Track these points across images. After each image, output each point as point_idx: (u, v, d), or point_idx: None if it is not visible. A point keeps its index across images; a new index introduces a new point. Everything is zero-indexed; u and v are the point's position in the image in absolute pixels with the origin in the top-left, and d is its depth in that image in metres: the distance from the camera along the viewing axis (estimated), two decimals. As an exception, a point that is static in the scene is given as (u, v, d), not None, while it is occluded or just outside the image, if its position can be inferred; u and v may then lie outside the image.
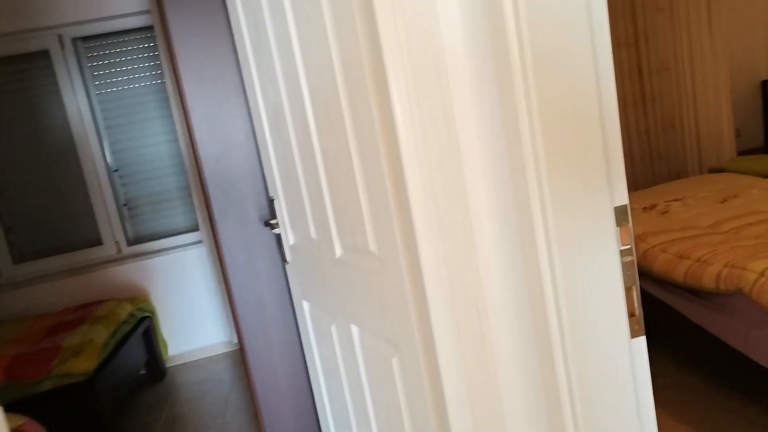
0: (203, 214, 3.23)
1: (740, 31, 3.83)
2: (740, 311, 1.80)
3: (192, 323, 3.29)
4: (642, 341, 0.79)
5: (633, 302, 0.78)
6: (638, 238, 2.35)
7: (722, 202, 2.66)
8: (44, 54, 3.15)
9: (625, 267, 0.78)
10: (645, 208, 2.80)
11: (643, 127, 3.72)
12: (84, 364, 2.33)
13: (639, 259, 2.24)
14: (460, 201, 0.95)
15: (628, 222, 0.78)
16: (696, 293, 1.99)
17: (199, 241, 3.29)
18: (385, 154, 1.01)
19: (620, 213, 0.78)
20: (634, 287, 0.78)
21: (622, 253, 0.79)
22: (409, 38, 0.87)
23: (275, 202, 1.57)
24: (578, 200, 0.78)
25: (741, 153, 3.91)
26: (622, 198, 0.78)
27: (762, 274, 1.72)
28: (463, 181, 0.95)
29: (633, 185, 3.75)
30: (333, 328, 1.42)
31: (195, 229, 3.38)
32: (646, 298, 2.23)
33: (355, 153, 1.11)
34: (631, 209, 2.85)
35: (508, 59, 0.78)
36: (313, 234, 1.41)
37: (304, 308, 1.56)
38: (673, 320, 2.11)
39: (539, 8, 0.76)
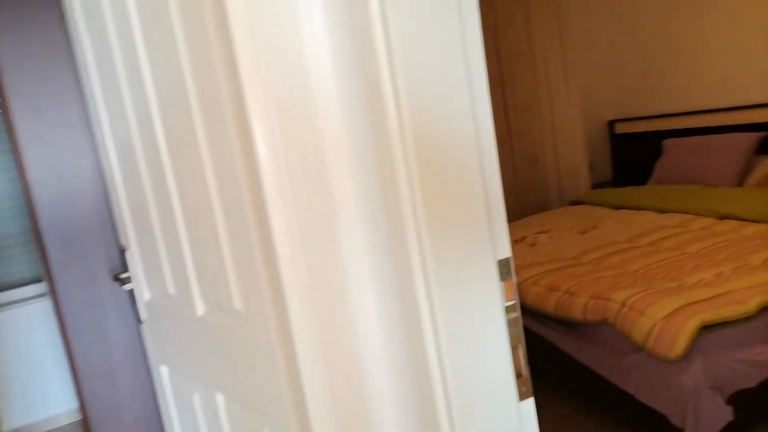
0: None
1: (590, 77, 4.24)
2: (607, 341, 1.89)
3: (34, 390, 2.83)
4: (530, 403, 0.74)
5: (519, 362, 0.73)
6: (512, 272, 2.41)
7: (583, 233, 2.85)
8: None
9: (511, 324, 0.74)
10: (515, 241, 2.92)
11: (510, 162, 3.94)
12: None
13: (514, 292, 2.30)
14: (333, 254, 0.86)
15: (511, 276, 0.74)
16: (567, 324, 2.07)
17: (43, 294, 2.87)
18: (249, 201, 0.89)
19: (503, 266, 0.74)
20: (520, 346, 0.73)
21: (507, 309, 0.74)
22: (273, 73, 0.77)
23: (127, 253, 1.37)
24: (460, 255, 0.72)
25: (595, 186, 4.28)
26: (505, 250, 0.74)
27: (623, 304, 1.83)
28: (336, 232, 0.86)
29: (504, 217, 3.93)
30: (196, 397, 1.24)
31: (39, 280, 2.94)
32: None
33: (216, 198, 0.98)
34: (504, 242, 2.96)
35: (385, 119, 0.71)
36: (171, 289, 1.23)
37: (163, 374, 1.36)
38: (546, 350, 2.18)
39: (413, 55, 0.71)
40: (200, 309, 1.15)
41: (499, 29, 3.75)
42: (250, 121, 0.77)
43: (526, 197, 4.03)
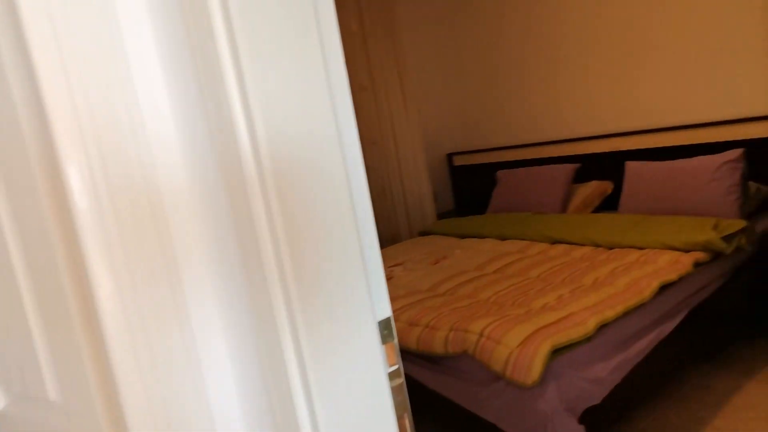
0: None
1: (429, 112, 4.47)
2: (469, 372, 1.91)
3: None
4: (422, 480, 0.66)
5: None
6: (371, 308, 2.37)
7: (435, 263, 2.92)
8: None
9: (395, 392, 0.65)
10: (372, 275, 2.89)
11: (360, 195, 3.96)
12: None
13: (374, 329, 2.25)
14: (180, 322, 0.71)
15: (393, 337, 0.66)
16: (430, 359, 2.06)
17: None
18: (65, 263, 0.71)
19: (385, 327, 0.66)
20: (406, 414, 0.65)
21: (391, 375, 0.66)
22: (93, 113, 0.62)
23: None
24: (336, 320, 0.63)
25: (440, 215, 4.48)
26: (385, 309, 0.66)
27: (481, 335, 1.86)
28: (182, 296, 0.71)
29: (357, 251, 3.92)
30: None
31: None
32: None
33: (19, 259, 0.78)
34: (360, 277, 2.92)
35: (241, 164, 0.60)
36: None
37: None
38: (411, 387, 2.16)
39: (272, 92, 0.61)
40: (1, 401, 0.90)
41: (344, 65, 3.78)
42: (64, 171, 0.61)
43: (378, 230, 4.05)
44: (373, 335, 0.65)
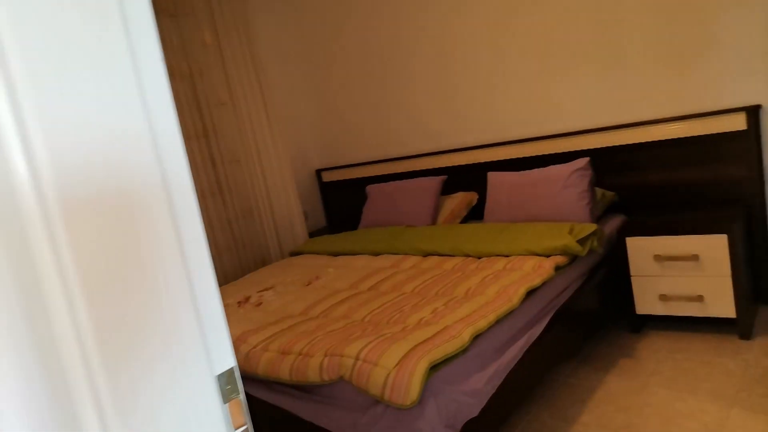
0: None
1: (295, 127, 4.34)
2: (347, 399, 1.79)
3: None
4: None
5: None
6: (238, 340, 2.16)
7: (308, 285, 2.77)
8: None
9: (245, 462, 0.51)
10: (240, 303, 2.68)
11: (224, 216, 3.70)
12: None
13: (242, 363, 2.05)
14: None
15: (238, 392, 0.52)
16: (304, 389, 1.91)
17: None
18: None
19: (226, 382, 0.52)
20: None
21: (238, 441, 0.52)
22: None
23: None
24: (157, 382, 0.47)
25: (312, 234, 4.34)
26: (227, 358, 0.52)
27: (357, 358, 1.76)
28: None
29: (223, 277, 3.64)
30: None
31: None
32: (253, 403, 2.04)
33: None
34: (226, 306, 2.69)
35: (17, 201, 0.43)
36: None
37: None
38: (285, 421, 1.99)
39: (59, 112, 0.45)
40: None
41: (196, 77, 3.53)
42: None
43: (245, 253, 3.82)
44: (211, 394, 0.50)
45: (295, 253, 3.61)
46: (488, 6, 3.25)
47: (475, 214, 3.62)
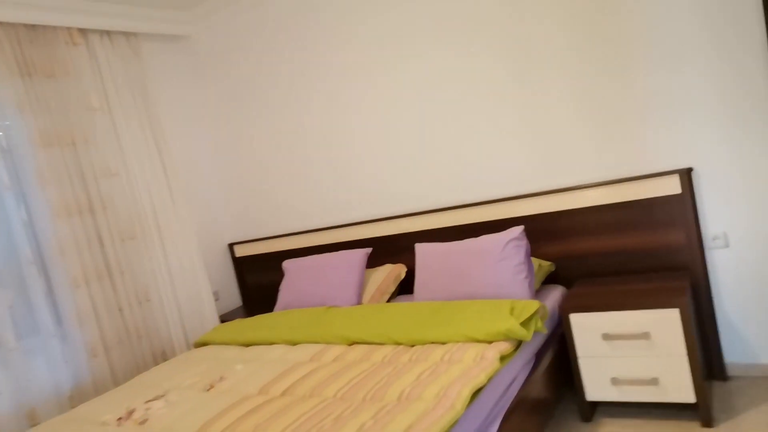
0: None
1: (202, 199, 3.91)
2: None
3: None
4: None
5: None
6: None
7: (209, 389, 2.30)
8: None
9: None
10: (120, 419, 2.15)
11: (114, 303, 3.15)
12: None
13: None
14: None
15: None
16: None
17: None
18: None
19: None
20: None
21: None
22: None
23: None
24: None
25: (225, 315, 3.85)
26: None
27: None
28: None
29: (112, 379, 3.05)
30: None
31: None
32: None
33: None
34: (101, 425, 2.15)
35: None
36: None
37: None
38: None
39: None
40: None
41: (79, 145, 3.06)
42: None
43: (140, 345, 3.25)
44: None
45: (200, 344, 3.10)
46: (409, 70, 3.07)
47: (405, 288, 3.30)
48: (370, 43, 3.17)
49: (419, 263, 2.83)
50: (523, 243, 2.51)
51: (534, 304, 2.20)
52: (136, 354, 3.23)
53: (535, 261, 2.68)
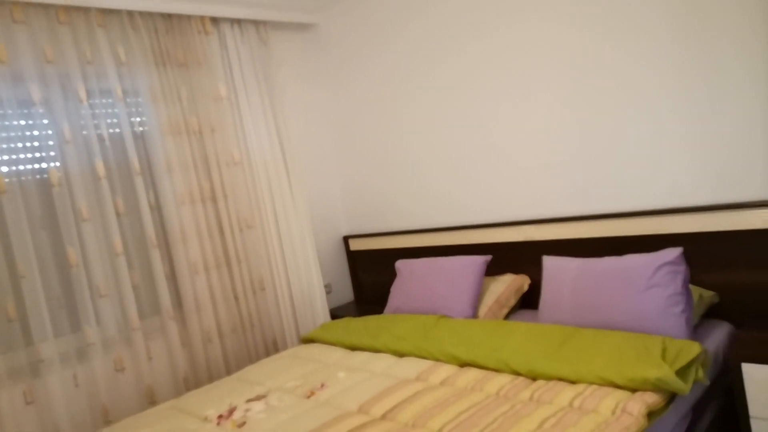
0: None
1: (319, 190, 3.85)
2: None
3: None
4: None
5: None
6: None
7: (309, 396, 2.18)
8: None
9: None
10: (221, 417, 2.10)
11: (230, 290, 3.18)
12: None
13: None
14: None
15: None
16: None
17: None
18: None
19: None
20: None
21: None
22: None
23: None
24: None
25: (336, 308, 3.78)
26: None
27: None
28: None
29: (225, 366, 3.09)
30: None
31: None
32: None
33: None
34: (202, 419, 2.11)
35: None
36: None
37: None
38: None
39: None
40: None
41: (206, 134, 3.10)
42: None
43: (253, 333, 3.27)
44: None
45: (307, 340, 3.02)
46: (549, 62, 2.70)
47: (526, 302, 2.96)
48: (507, 32, 2.84)
49: (546, 278, 2.49)
50: (682, 269, 2.07)
51: (694, 348, 1.78)
52: (249, 342, 3.25)
53: (695, 290, 2.21)
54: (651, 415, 1.60)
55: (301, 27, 3.82)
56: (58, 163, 2.59)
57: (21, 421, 2.39)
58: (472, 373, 2.10)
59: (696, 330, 2.16)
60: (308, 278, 3.50)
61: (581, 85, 2.59)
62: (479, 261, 2.88)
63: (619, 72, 2.45)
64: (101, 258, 2.68)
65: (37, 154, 2.57)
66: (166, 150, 2.92)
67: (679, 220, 2.31)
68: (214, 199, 3.14)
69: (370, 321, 2.92)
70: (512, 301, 2.84)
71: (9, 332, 2.39)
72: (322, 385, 2.25)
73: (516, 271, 3.01)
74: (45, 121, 2.58)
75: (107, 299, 2.68)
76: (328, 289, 3.89)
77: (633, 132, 2.46)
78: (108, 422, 2.63)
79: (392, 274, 3.68)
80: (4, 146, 2.46)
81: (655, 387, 1.65)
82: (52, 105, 2.58)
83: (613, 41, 2.45)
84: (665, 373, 1.63)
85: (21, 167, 2.50)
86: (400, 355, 2.47)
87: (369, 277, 3.88)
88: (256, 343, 3.29)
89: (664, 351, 1.78)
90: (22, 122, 2.53)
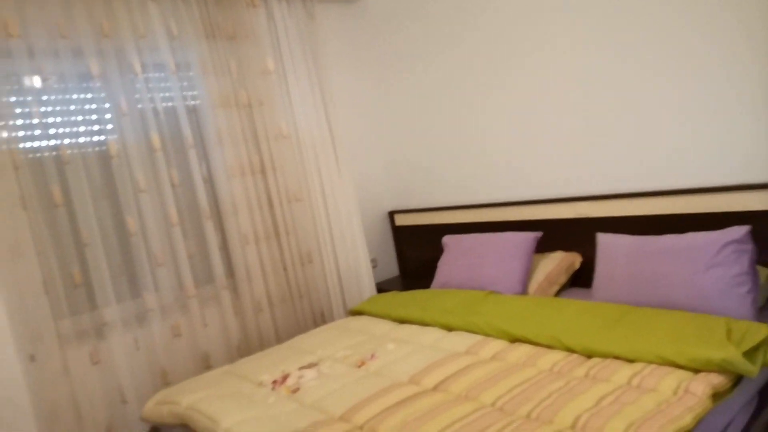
0: None
1: (365, 164, 3.85)
2: None
3: None
4: None
5: None
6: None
7: (360, 366, 2.21)
8: None
9: None
10: (275, 383, 2.16)
11: (279, 262, 3.24)
12: None
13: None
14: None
15: None
16: None
17: None
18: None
19: None
20: None
21: None
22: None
23: None
24: None
25: (381, 282, 3.80)
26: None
27: None
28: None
29: (275, 335, 3.16)
30: None
31: None
32: None
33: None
34: (257, 385, 2.17)
35: None
36: None
37: None
38: None
39: None
40: None
41: (254, 107, 3.13)
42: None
43: (301, 304, 3.33)
44: None
45: (355, 312, 3.06)
46: (613, 28, 2.59)
47: (577, 281, 2.91)
48: (561, 7, 2.73)
49: (601, 256, 2.43)
50: (749, 248, 1.98)
51: (762, 330, 1.71)
52: (297, 312, 3.31)
53: (762, 271, 2.12)
54: (716, 396, 1.55)
55: (348, 1, 3.77)
56: (116, 136, 2.67)
57: (88, 380, 2.53)
58: (524, 349, 2.08)
59: (762, 312, 2.08)
60: (354, 252, 3.52)
61: (641, 54, 2.48)
62: (529, 237, 2.84)
63: (684, 41, 2.33)
64: (158, 228, 2.76)
65: (96, 127, 2.65)
66: (216, 123, 2.97)
67: (747, 197, 2.21)
68: (263, 172, 3.18)
69: (418, 295, 2.93)
70: (563, 279, 2.79)
71: (75, 297, 2.52)
72: (372, 356, 2.28)
73: (567, 249, 2.95)
74: (102, 95, 2.65)
75: (164, 267, 2.77)
76: (374, 263, 3.91)
77: (695, 105, 2.34)
78: (167, 384, 2.74)
79: (437, 250, 3.67)
80: (66, 119, 2.55)
81: (720, 368, 1.60)
82: (109, 78, 2.65)
83: (680, 11, 2.32)
84: (732, 354, 1.58)
85: (81, 140, 2.59)
86: (449, 328, 2.47)
87: (414, 253, 3.88)
88: (305, 314, 3.35)
89: (728, 332, 1.72)
90: (82, 96, 2.61)
